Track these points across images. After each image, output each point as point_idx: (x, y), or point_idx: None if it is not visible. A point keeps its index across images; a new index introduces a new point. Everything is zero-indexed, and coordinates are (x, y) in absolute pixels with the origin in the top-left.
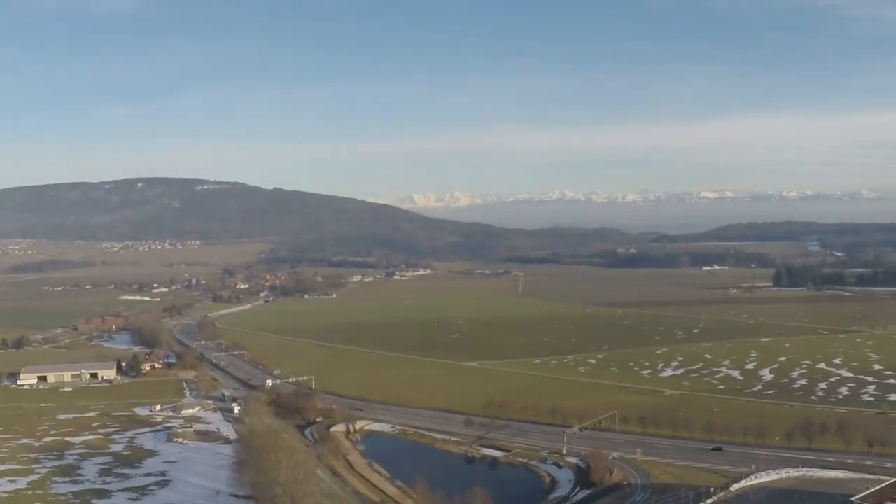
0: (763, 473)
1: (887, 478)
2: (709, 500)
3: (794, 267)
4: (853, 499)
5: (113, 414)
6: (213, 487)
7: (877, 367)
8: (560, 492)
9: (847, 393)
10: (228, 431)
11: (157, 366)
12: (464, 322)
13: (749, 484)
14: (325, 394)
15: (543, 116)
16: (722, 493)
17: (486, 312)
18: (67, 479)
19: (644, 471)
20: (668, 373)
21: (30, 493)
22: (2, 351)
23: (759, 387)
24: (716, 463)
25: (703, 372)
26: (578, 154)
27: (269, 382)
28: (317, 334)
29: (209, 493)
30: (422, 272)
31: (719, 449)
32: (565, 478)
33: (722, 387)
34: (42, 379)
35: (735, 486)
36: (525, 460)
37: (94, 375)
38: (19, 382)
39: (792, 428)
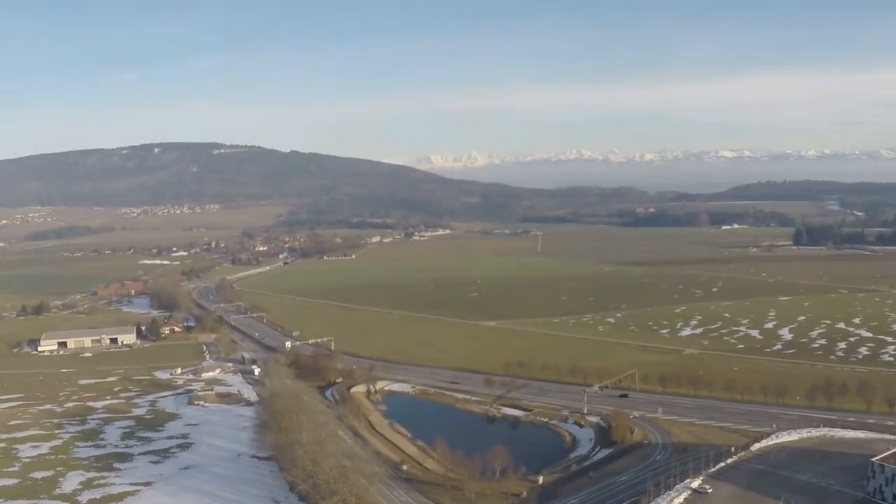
0: (784, 433)
1: None
2: (729, 460)
3: (813, 226)
4: (874, 459)
5: (134, 378)
6: (235, 449)
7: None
8: (581, 450)
9: (867, 353)
10: (249, 393)
11: (176, 329)
12: (482, 282)
13: (770, 444)
14: (345, 355)
15: (560, 76)
16: (743, 453)
17: (505, 272)
18: (90, 443)
19: (664, 430)
20: (686, 332)
21: (53, 457)
22: (22, 317)
23: (779, 346)
24: (737, 422)
25: (723, 331)
26: (596, 113)
27: (288, 344)
28: (336, 295)
29: (231, 455)
30: (440, 232)
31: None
32: (586, 437)
33: (741, 346)
34: (62, 345)
35: (756, 446)
36: (546, 419)
37: (113, 340)
38: (40, 349)
39: (812, 388)
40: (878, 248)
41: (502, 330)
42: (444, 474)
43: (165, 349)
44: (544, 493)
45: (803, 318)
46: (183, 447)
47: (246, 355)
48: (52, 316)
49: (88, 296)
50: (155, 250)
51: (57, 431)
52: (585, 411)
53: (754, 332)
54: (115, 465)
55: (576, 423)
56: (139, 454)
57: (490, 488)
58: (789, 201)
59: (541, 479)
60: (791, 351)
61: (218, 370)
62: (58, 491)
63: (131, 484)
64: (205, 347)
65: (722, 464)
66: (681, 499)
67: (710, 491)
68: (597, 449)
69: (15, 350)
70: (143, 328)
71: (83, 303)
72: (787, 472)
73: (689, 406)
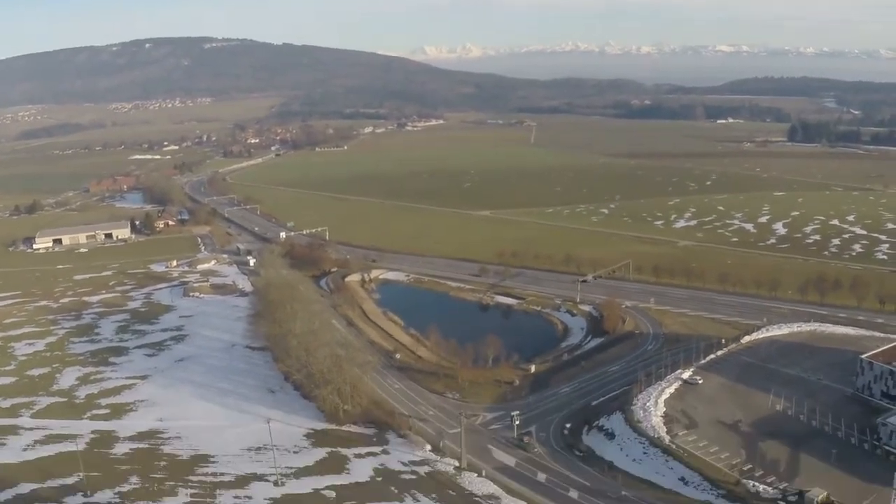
0: (775, 327)
1: None
2: (719, 352)
3: (809, 122)
4: (863, 356)
5: (129, 272)
6: (229, 340)
7: (890, 225)
8: (572, 339)
9: (860, 250)
10: (244, 284)
11: (170, 223)
12: (475, 172)
13: (760, 336)
14: (339, 244)
15: None
16: (733, 346)
17: (498, 162)
18: (85, 338)
19: (656, 320)
20: (681, 224)
21: (48, 354)
22: (15, 217)
23: (773, 240)
24: (728, 314)
25: (717, 224)
26: (592, 5)
27: (282, 235)
28: (329, 186)
29: (225, 346)
30: (434, 123)
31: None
32: (578, 325)
33: (735, 239)
34: (57, 241)
35: (746, 339)
36: (538, 308)
37: (108, 235)
38: (35, 246)
39: (805, 282)
40: (872, 147)
41: (496, 220)
42: (437, 363)
43: (160, 242)
44: (536, 382)
45: (797, 213)
46: (177, 339)
47: (241, 246)
48: (45, 214)
49: (81, 193)
50: (146, 145)
51: (52, 328)
52: (578, 300)
53: (748, 226)
54: (111, 359)
55: (568, 311)
56: (134, 348)
57: (483, 376)
58: (786, 97)
59: (533, 368)
60: (784, 246)
61: (213, 262)
62: (55, 387)
63: (127, 378)
64: (199, 240)
65: (712, 355)
66: (672, 389)
67: (700, 382)
68: (588, 338)
69: (10, 249)
70: (138, 223)
71: (76, 200)
72: (777, 365)
73: (682, 297)
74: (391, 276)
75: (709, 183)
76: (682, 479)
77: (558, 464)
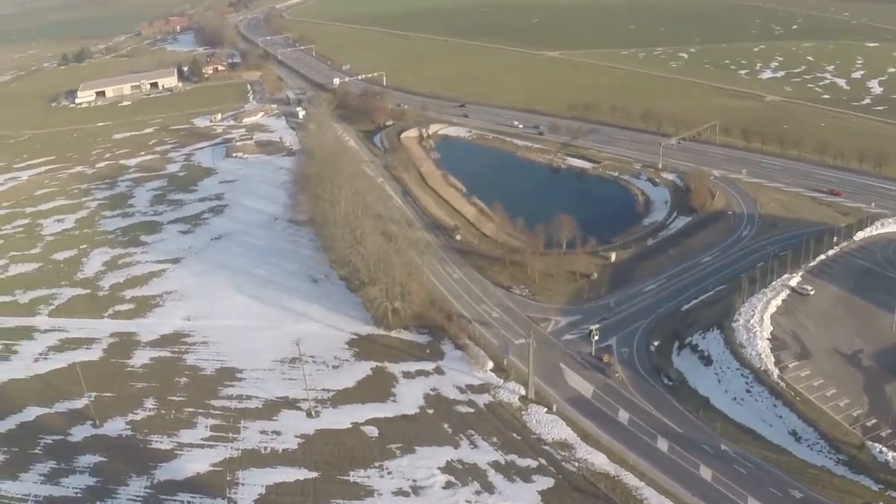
0: (891, 221)
1: None
2: (831, 252)
3: None
4: None
5: (171, 128)
6: (271, 212)
7: None
8: (656, 216)
9: None
10: (291, 140)
11: (219, 68)
12: (544, 5)
13: (875, 234)
14: (397, 91)
15: None
16: (845, 244)
17: None
18: (118, 212)
19: (749, 196)
20: (767, 74)
21: (77, 233)
22: (63, 66)
23: (868, 100)
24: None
25: (806, 77)
26: None
27: (336, 81)
28: (389, 21)
29: (266, 220)
30: None
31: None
32: (661, 198)
33: (827, 96)
34: (100, 94)
35: (859, 236)
36: (616, 174)
37: (154, 85)
38: (77, 101)
39: None
40: None
41: (566, 62)
42: (503, 244)
43: (208, 91)
44: (617, 274)
45: (894, 69)
46: (216, 211)
47: (291, 95)
48: (94, 62)
49: (132, 37)
50: None
51: (84, 199)
52: (660, 166)
53: (840, 82)
54: (143, 237)
55: (649, 180)
56: (168, 223)
57: (556, 265)
58: None
59: (613, 257)
60: (882, 108)
61: (260, 114)
62: (79, 275)
63: (157, 262)
64: (249, 87)
65: (822, 256)
66: (778, 300)
67: (812, 292)
68: (673, 215)
69: (52, 105)
70: (185, 69)
71: (126, 45)
72: None
73: (776, 168)
74: (452, 131)
75: (794, 27)
76: (794, 433)
77: (643, 397)
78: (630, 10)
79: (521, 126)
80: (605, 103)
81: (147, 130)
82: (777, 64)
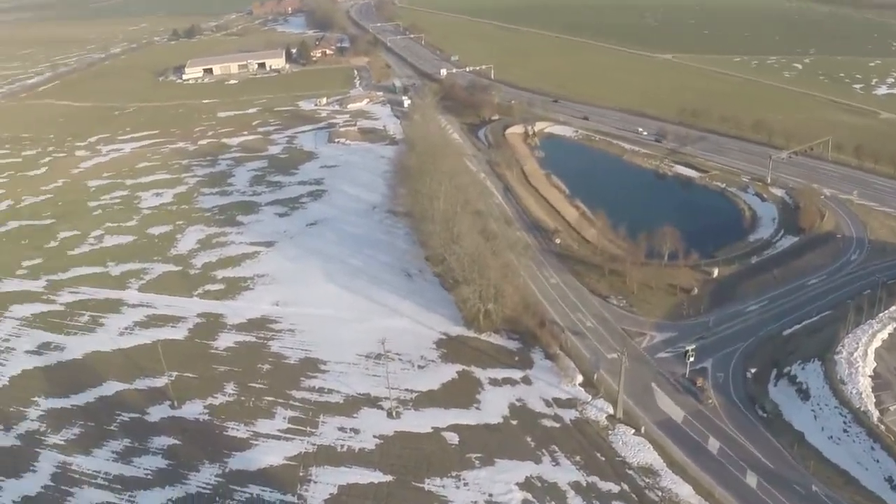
0: None
1: None
2: None
3: None
4: None
5: (275, 109)
6: (370, 201)
7: None
8: (762, 232)
9: None
10: (395, 129)
11: (328, 52)
12: (660, 4)
13: None
14: (504, 85)
15: None
16: None
17: None
18: (216, 189)
19: (859, 219)
20: (882, 90)
21: (174, 208)
22: (173, 41)
23: None
24: None
25: None
26: None
27: (443, 72)
28: (501, 14)
29: (364, 209)
30: None
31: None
32: (768, 215)
33: None
34: (208, 71)
35: None
36: (723, 185)
37: (261, 65)
38: (184, 77)
39: None
40: None
41: (678, 66)
42: (603, 251)
43: (314, 74)
44: (719, 291)
45: None
46: (314, 196)
47: (397, 83)
48: (204, 39)
49: (244, 15)
50: None
51: (184, 175)
52: (769, 181)
53: None
54: (239, 217)
55: (757, 194)
56: (266, 204)
57: (656, 278)
58: None
59: (716, 272)
60: None
61: (365, 101)
62: (173, 251)
63: (251, 244)
64: (356, 73)
65: None
66: (885, 333)
67: None
68: (780, 233)
69: (160, 79)
70: (294, 51)
71: (237, 23)
72: None
73: (889, 190)
74: (558, 129)
75: None
76: (890, 479)
77: (736, 427)
78: (743, 14)
79: (644, 133)
80: (715, 111)
81: (251, 110)
82: (893, 80)
